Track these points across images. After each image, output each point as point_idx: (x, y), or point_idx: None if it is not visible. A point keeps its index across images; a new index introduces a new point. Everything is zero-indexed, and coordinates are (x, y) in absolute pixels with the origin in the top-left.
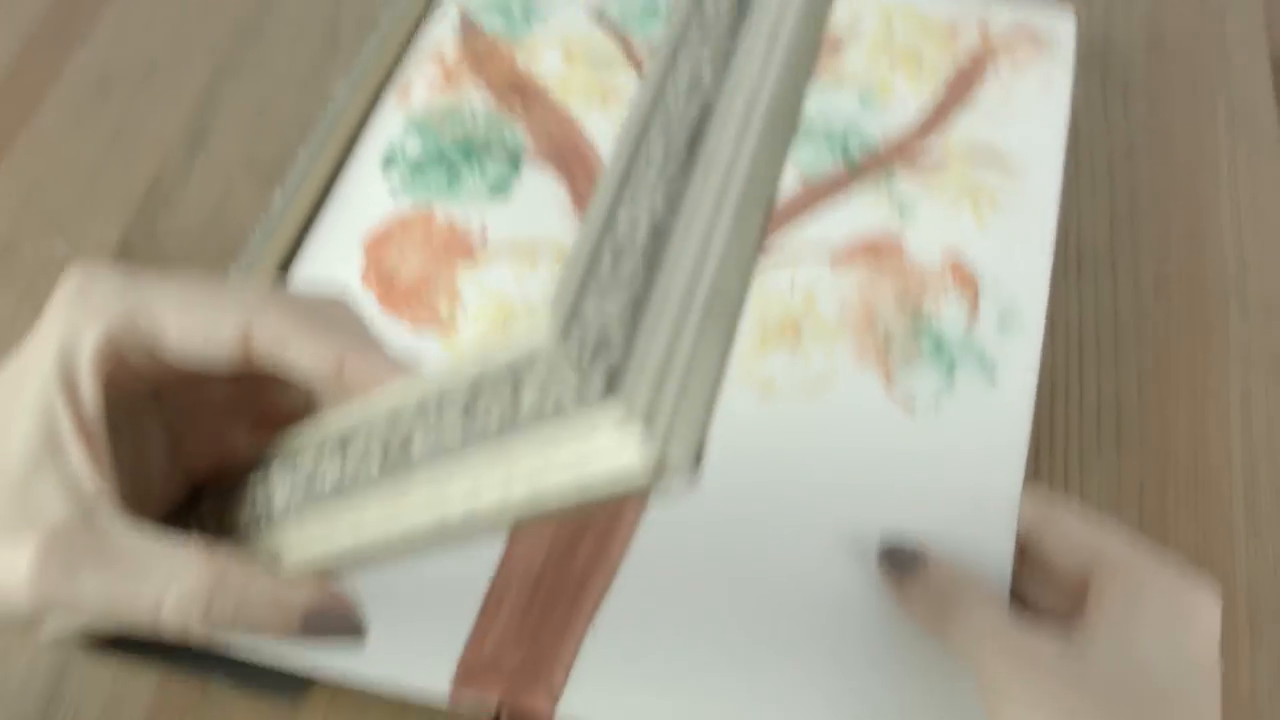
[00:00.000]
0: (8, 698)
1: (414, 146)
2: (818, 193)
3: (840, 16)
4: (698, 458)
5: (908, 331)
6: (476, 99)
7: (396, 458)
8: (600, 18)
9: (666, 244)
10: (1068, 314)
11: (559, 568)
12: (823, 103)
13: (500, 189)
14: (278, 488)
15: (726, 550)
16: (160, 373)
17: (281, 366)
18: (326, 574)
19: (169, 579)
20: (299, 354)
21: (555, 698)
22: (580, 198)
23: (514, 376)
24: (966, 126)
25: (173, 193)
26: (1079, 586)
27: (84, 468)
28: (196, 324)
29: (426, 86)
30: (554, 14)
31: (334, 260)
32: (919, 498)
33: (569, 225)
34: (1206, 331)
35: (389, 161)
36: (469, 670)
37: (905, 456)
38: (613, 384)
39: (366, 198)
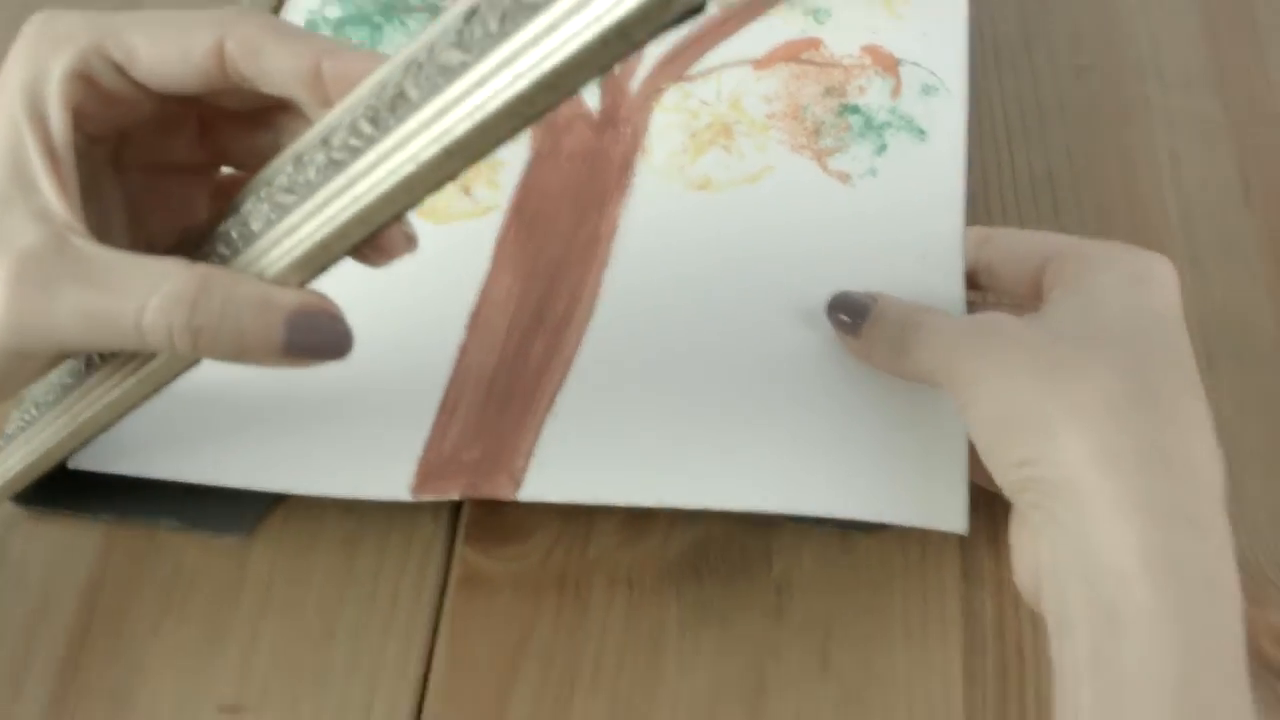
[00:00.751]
0: None
1: (334, 10)
2: (735, 14)
3: None
4: None
5: (836, 116)
6: None
7: (389, 115)
8: None
9: None
10: (991, 102)
11: (514, 366)
12: None
13: None
14: (253, 216)
15: (680, 333)
16: (131, 98)
17: (257, 77)
18: (311, 279)
19: (150, 287)
20: (275, 59)
21: (518, 482)
22: None
23: None
24: None
25: None
26: (1034, 295)
27: (54, 197)
28: (169, 41)
29: None
30: None
31: None
32: (866, 257)
33: None
34: (1128, 106)
35: (311, 27)
36: (429, 470)
37: (848, 221)
38: None
39: None
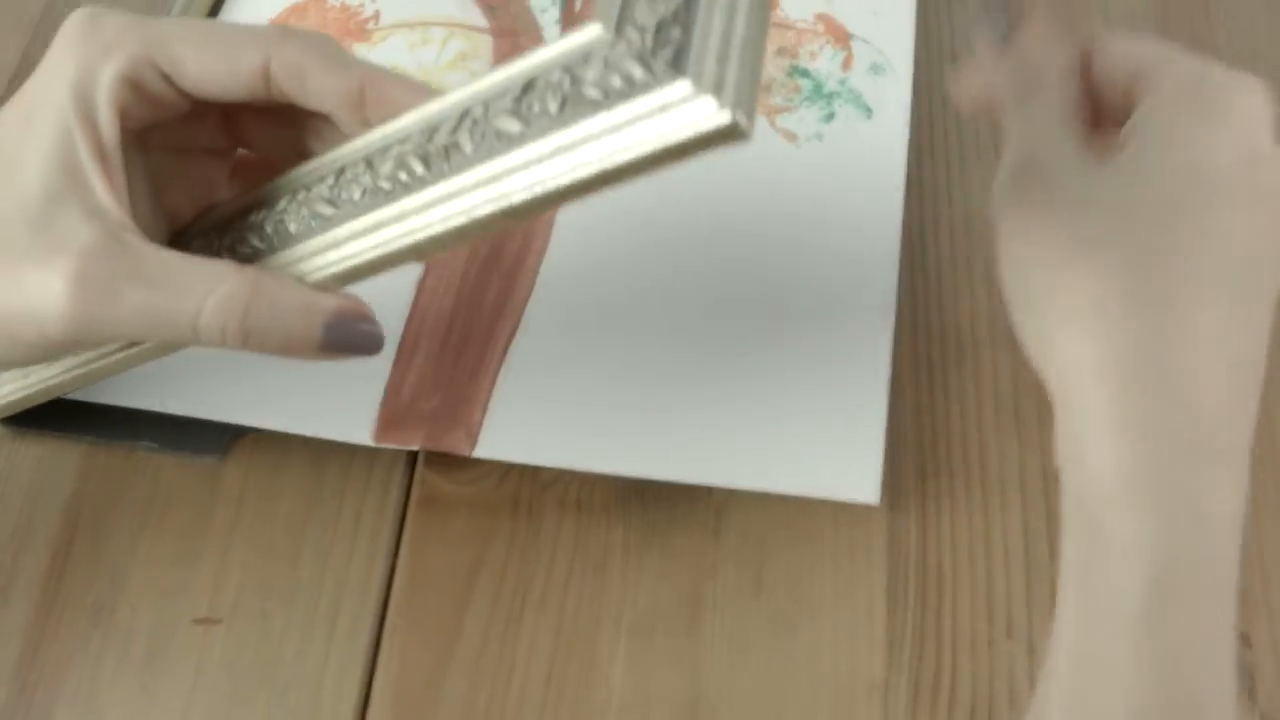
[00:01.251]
0: None
1: None
2: None
3: None
4: (753, 122)
5: (786, 75)
6: None
7: (442, 161)
8: None
9: None
10: (940, 32)
11: (469, 310)
12: None
13: None
14: (289, 217)
15: (628, 279)
16: (174, 104)
17: (300, 97)
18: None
19: (206, 290)
20: (320, 83)
21: (474, 438)
22: None
23: (569, 71)
24: None
25: (69, 10)
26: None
27: (106, 195)
28: (216, 56)
29: None
30: None
31: None
32: (805, 220)
33: (460, 3)
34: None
35: None
36: (390, 417)
37: (791, 181)
38: (679, 64)
39: None
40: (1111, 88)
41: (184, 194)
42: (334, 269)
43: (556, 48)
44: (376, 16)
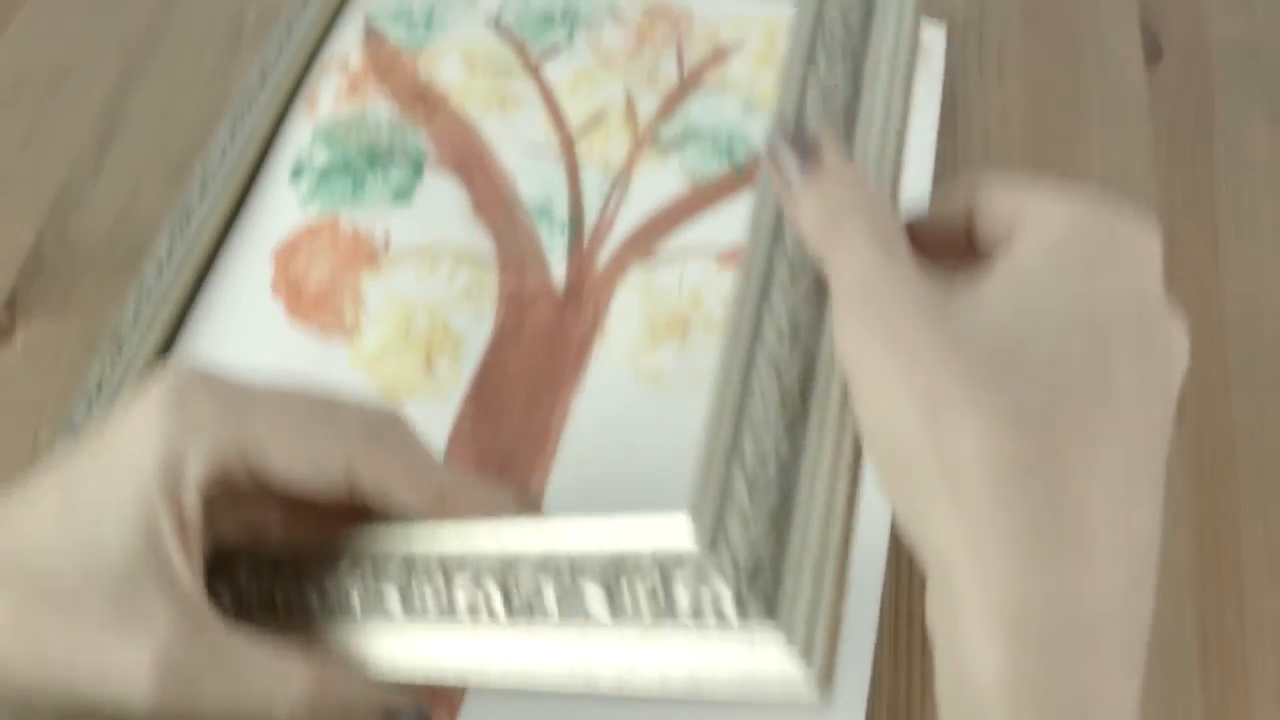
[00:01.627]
0: None
1: (321, 156)
2: (706, 195)
3: (726, 30)
4: (833, 683)
5: None
6: (381, 108)
7: (524, 606)
8: (498, 25)
9: (796, 483)
10: None
11: None
12: (709, 108)
13: (403, 195)
14: (354, 589)
15: None
16: (253, 490)
17: (379, 503)
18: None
19: (277, 686)
20: (401, 493)
21: (454, 711)
22: (480, 201)
23: (661, 569)
24: None
25: (83, 194)
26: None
27: (184, 570)
28: (303, 461)
29: (333, 96)
30: (454, 22)
31: (245, 270)
32: None
33: (469, 228)
34: None
35: (297, 172)
36: None
37: None
38: (771, 608)
39: (276, 208)
40: (992, 239)
41: (234, 527)
42: (401, 675)
43: (643, 529)
44: (387, 243)
